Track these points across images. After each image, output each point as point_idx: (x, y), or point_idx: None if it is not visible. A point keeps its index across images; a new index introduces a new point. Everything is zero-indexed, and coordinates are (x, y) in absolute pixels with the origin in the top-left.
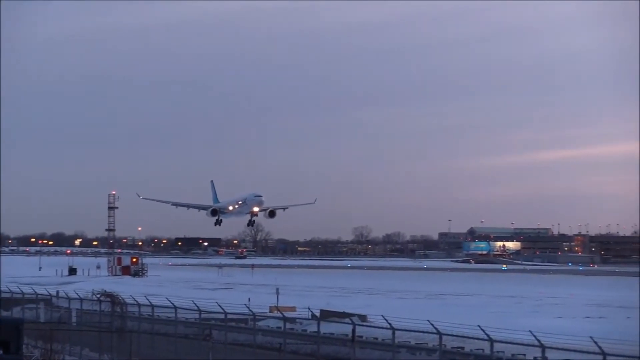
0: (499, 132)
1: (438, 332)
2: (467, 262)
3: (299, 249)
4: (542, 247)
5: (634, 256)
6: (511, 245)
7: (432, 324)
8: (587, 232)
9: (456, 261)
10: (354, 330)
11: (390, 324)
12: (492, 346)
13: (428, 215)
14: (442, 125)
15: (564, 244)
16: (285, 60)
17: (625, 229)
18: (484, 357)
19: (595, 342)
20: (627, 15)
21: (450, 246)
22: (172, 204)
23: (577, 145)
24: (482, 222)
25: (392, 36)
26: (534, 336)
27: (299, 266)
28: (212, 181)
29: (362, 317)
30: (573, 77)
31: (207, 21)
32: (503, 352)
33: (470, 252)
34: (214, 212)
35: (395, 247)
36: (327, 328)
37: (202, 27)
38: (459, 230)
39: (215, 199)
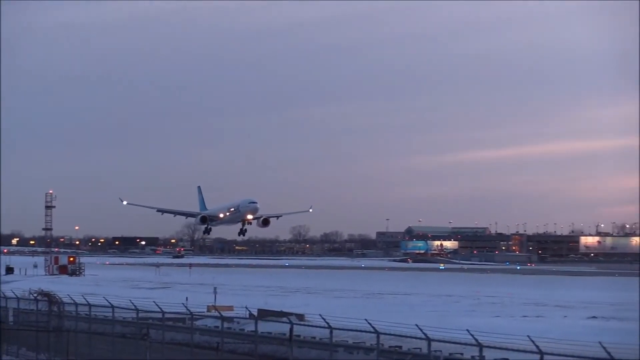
0: (438, 131)
1: (376, 331)
2: (405, 261)
3: (237, 248)
4: (480, 246)
5: (571, 255)
6: (449, 244)
7: (369, 323)
8: (525, 231)
9: (394, 260)
10: (291, 330)
11: (328, 323)
12: (429, 345)
13: (366, 215)
14: (378, 124)
15: (502, 243)
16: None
17: (563, 228)
18: (422, 356)
19: (533, 341)
20: (549, 15)
21: (388, 245)
22: (157, 210)
23: (515, 144)
24: (419, 221)
25: (328, 35)
26: (472, 335)
27: (236, 265)
28: (199, 187)
29: (300, 316)
30: (514, 75)
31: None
32: (440, 351)
33: (408, 251)
34: (204, 220)
35: (333, 246)
36: (264, 327)
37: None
38: (396, 229)
39: (203, 206)
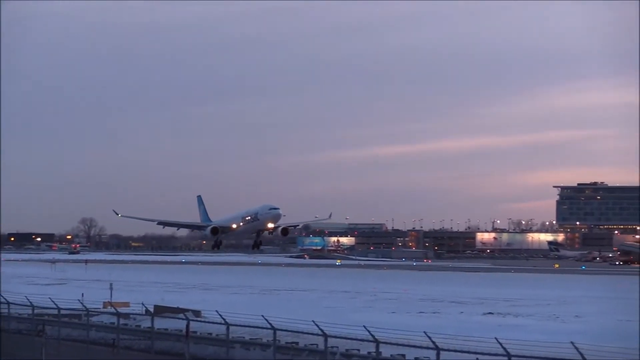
0: (335, 127)
1: (272, 328)
2: (302, 257)
3: (133, 244)
4: (377, 243)
5: (467, 251)
6: (345, 240)
7: (266, 320)
8: (421, 227)
9: (291, 256)
10: (187, 326)
11: (224, 319)
12: (326, 341)
13: None
14: (275, 121)
15: (398, 239)
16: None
17: (459, 225)
18: (318, 352)
19: (429, 337)
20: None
21: (284, 241)
22: (157, 223)
23: (413, 141)
24: (316, 217)
25: (228, 31)
26: (368, 331)
27: (133, 262)
28: (199, 196)
29: (197, 313)
30: (416, 72)
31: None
32: (337, 347)
33: (305, 247)
34: (215, 232)
35: (230, 242)
36: (161, 324)
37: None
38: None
39: (205, 216)
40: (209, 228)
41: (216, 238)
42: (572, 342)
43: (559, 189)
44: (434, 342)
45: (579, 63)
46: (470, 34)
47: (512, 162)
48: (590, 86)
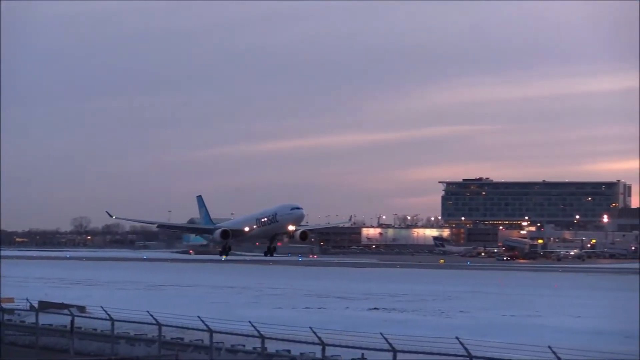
0: (223, 123)
1: (157, 323)
2: (187, 253)
3: (17, 239)
4: None
5: (353, 247)
6: None
7: (151, 315)
8: (307, 222)
9: (176, 252)
10: (72, 322)
11: (109, 315)
12: (211, 337)
13: (146, 206)
14: (165, 117)
15: (284, 234)
16: None
17: (345, 220)
18: (204, 347)
19: (315, 333)
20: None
21: (170, 237)
22: (157, 227)
23: (300, 136)
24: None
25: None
26: (254, 327)
27: (17, 257)
28: (199, 196)
29: (81, 308)
30: (297, 69)
31: None
32: (223, 342)
33: (191, 243)
34: (225, 235)
35: (115, 238)
36: (45, 319)
37: None
38: (179, 221)
39: (207, 218)
40: (219, 231)
41: (225, 243)
42: (457, 338)
43: (444, 184)
44: (319, 338)
45: (462, 59)
46: (357, 31)
47: (397, 157)
48: (474, 82)
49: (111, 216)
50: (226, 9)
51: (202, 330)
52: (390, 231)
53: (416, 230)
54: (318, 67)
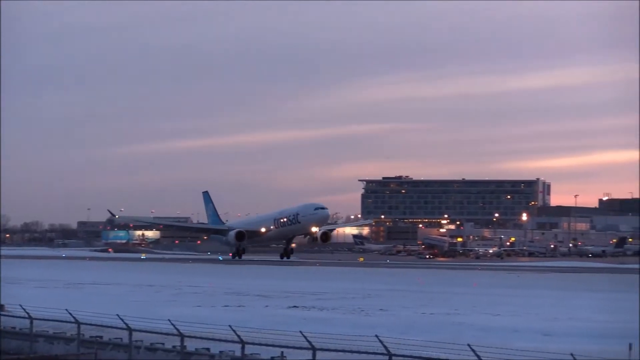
0: (138, 121)
1: (76, 322)
2: (106, 251)
3: None
4: (182, 236)
5: (272, 244)
6: (151, 234)
7: (70, 313)
8: (227, 220)
9: (95, 250)
10: None
11: (28, 313)
12: (130, 335)
13: (67, 204)
14: (75, 113)
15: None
16: None
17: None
18: (123, 346)
19: (234, 331)
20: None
21: (89, 235)
22: (164, 226)
23: (216, 134)
24: (121, 210)
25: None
26: (173, 325)
27: None
28: (206, 192)
29: (0, 307)
30: (215, 67)
31: None
32: (142, 341)
33: (110, 241)
34: (240, 237)
35: (34, 235)
36: None
37: None
38: (98, 219)
39: (216, 217)
40: (233, 233)
41: (239, 245)
42: (376, 336)
43: (364, 182)
44: (238, 336)
45: (380, 57)
46: (272, 29)
47: (317, 155)
48: (394, 79)
49: (114, 215)
50: (139, 7)
51: (121, 328)
52: None
53: (338, 228)
54: (234, 64)
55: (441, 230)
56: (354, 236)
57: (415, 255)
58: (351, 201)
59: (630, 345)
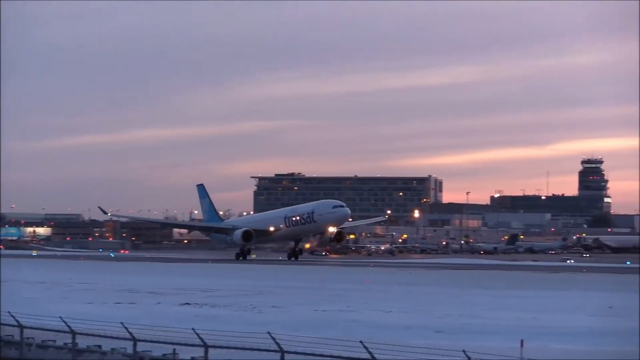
0: (28, 116)
1: None
2: None
3: None
4: (73, 233)
5: (164, 242)
6: (42, 231)
7: None
8: (118, 218)
9: None
10: None
11: None
12: (21, 332)
13: None
14: None
15: (95, 229)
16: None
17: (157, 215)
18: (14, 343)
19: (126, 328)
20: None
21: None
22: (161, 225)
23: (107, 130)
24: (12, 207)
25: None
26: (64, 322)
27: None
28: (201, 185)
29: None
30: (103, 62)
31: None
32: (33, 338)
33: (0, 238)
34: (247, 237)
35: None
36: None
37: None
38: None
39: (212, 212)
40: (240, 232)
41: (245, 245)
42: (269, 333)
43: (257, 179)
44: (130, 333)
45: (273, 54)
46: (165, 25)
47: (210, 152)
48: (286, 77)
49: (105, 212)
50: (26, 5)
51: (13, 325)
52: None
53: None
54: (127, 60)
55: None
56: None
57: (307, 251)
58: (245, 198)
59: (521, 342)
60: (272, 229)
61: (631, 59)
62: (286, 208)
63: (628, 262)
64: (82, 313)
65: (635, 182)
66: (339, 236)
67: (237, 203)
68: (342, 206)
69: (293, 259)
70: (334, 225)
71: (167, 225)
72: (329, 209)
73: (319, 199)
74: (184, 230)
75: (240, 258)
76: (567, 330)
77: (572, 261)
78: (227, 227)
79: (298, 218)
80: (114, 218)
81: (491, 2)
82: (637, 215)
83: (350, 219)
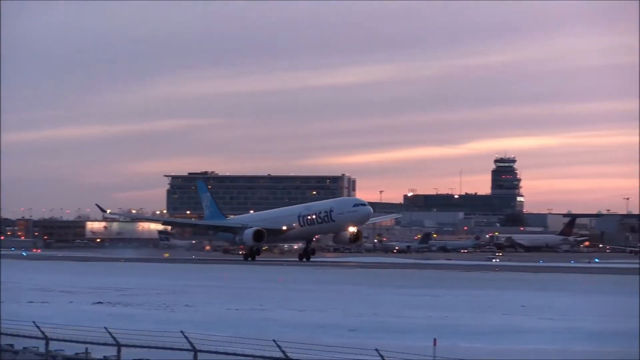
0: None
1: None
2: None
3: None
4: None
5: (77, 240)
6: None
7: None
8: (31, 216)
9: None
10: None
11: None
12: None
13: None
14: None
15: (7, 228)
16: None
17: (70, 214)
18: None
19: (38, 327)
20: None
21: None
22: (163, 224)
23: (18, 128)
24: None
25: None
26: None
27: None
28: (201, 181)
29: None
30: (24, 60)
31: None
32: None
33: None
34: (259, 237)
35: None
36: None
37: None
38: None
39: (215, 209)
40: (251, 232)
41: (254, 245)
42: (182, 331)
43: (170, 178)
44: (42, 332)
45: (189, 52)
46: (81, 22)
47: (122, 150)
48: (201, 75)
49: (104, 211)
50: None
51: None
52: (115, 225)
53: (141, 224)
54: (44, 59)
55: None
56: (159, 232)
57: (221, 251)
58: (158, 197)
59: (434, 341)
60: (285, 228)
61: (545, 57)
62: (299, 206)
63: (541, 262)
64: None
65: (546, 180)
66: (357, 235)
67: (150, 202)
68: (363, 204)
69: (305, 259)
70: (354, 225)
71: (171, 224)
72: (350, 207)
73: (231, 198)
74: (97, 230)
75: (249, 259)
76: (479, 329)
77: (498, 260)
78: (236, 225)
79: (314, 217)
80: (113, 216)
81: (415, 1)
82: (549, 214)
83: None
